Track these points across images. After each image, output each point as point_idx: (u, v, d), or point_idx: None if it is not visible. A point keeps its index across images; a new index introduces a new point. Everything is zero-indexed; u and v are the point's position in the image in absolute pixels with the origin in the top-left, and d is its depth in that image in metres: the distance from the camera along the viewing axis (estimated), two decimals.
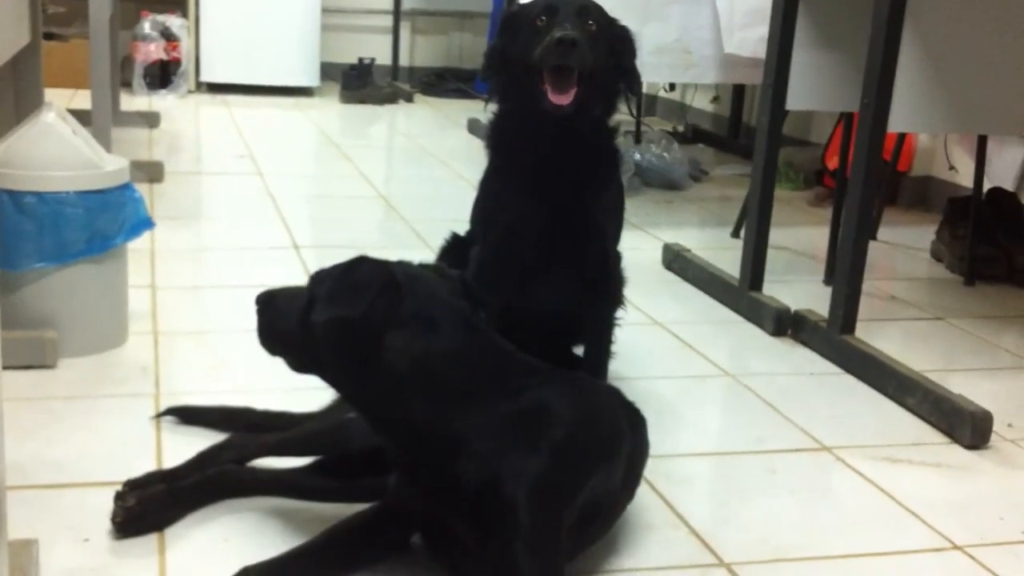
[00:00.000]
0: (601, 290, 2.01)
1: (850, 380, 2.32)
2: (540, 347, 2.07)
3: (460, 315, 1.40)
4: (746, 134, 5.06)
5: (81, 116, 2.32)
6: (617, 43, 1.90)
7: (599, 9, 1.89)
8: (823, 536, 1.67)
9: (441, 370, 1.35)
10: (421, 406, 1.34)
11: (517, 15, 1.91)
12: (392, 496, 1.46)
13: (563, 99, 1.80)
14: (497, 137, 1.97)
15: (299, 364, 1.45)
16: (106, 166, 2.13)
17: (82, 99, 4.10)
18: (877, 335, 2.47)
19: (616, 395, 1.62)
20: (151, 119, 4.71)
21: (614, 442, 1.49)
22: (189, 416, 1.86)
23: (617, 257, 2.04)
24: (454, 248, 2.17)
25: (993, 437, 2.04)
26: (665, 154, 4.26)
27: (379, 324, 1.33)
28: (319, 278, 1.41)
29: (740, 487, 1.83)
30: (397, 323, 1.34)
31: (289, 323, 1.41)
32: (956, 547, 1.66)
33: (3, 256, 2.02)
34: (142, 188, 2.43)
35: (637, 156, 4.20)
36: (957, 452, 2.01)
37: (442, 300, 1.40)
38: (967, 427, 2.02)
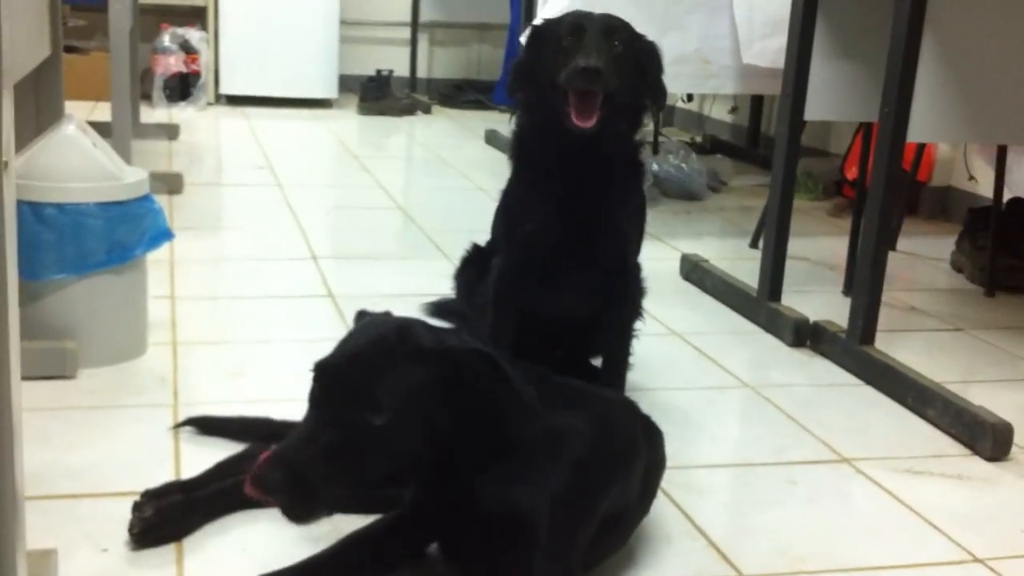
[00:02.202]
0: (620, 300, 2.01)
1: (870, 391, 2.31)
2: (558, 356, 2.08)
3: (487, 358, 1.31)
4: (764, 144, 5.05)
5: (101, 128, 2.33)
6: (643, 59, 1.90)
7: (625, 27, 1.88)
8: (842, 548, 1.66)
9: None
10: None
11: (544, 32, 1.91)
12: (408, 507, 1.45)
13: (586, 123, 1.80)
14: (521, 149, 1.97)
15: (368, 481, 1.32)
16: (126, 178, 2.14)
17: (102, 111, 4.13)
18: (897, 346, 2.46)
19: (631, 408, 1.61)
20: (171, 131, 4.74)
21: (631, 458, 1.49)
22: (208, 427, 1.86)
23: (637, 268, 2.03)
24: (474, 259, 2.18)
25: (1014, 449, 2.02)
26: (683, 164, 4.26)
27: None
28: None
29: (759, 498, 1.82)
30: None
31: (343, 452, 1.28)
32: (977, 560, 1.65)
33: (24, 266, 2.01)
34: (162, 199, 2.44)
35: (655, 167, 4.20)
36: (978, 464, 1.99)
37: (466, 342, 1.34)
38: (988, 439, 2.00)
